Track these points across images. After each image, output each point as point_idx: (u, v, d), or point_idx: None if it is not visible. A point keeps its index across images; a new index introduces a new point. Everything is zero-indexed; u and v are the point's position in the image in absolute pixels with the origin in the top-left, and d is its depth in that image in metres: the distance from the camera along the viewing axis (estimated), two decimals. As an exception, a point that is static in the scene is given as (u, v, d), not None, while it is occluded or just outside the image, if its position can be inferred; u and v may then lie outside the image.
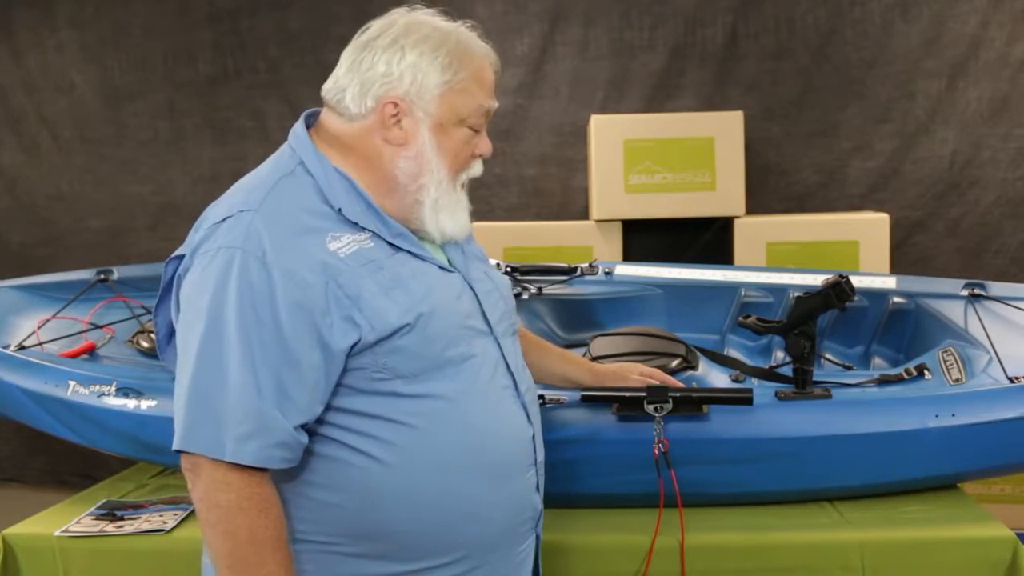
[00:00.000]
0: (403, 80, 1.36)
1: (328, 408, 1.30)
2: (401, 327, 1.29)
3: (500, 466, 1.38)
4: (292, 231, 1.28)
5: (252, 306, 1.24)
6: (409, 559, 1.33)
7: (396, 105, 1.36)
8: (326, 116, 1.43)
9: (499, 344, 1.43)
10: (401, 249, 1.36)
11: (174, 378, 1.31)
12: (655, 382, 1.87)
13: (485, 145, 1.45)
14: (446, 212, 1.40)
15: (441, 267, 1.41)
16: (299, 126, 1.43)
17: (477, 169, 1.46)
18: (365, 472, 1.30)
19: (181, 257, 1.34)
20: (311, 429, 1.30)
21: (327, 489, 1.32)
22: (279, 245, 1.26)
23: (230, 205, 1.32)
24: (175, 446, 1.26)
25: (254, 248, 1.25)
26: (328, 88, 1.41)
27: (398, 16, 1.41)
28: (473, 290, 1.43)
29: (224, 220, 1.30)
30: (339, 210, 1.34)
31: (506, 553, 1.42)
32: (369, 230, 1.35)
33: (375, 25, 1.40)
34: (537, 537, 1.50)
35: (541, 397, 1.90)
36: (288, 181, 1.35)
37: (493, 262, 2.58)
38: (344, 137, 1.39)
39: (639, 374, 1.89)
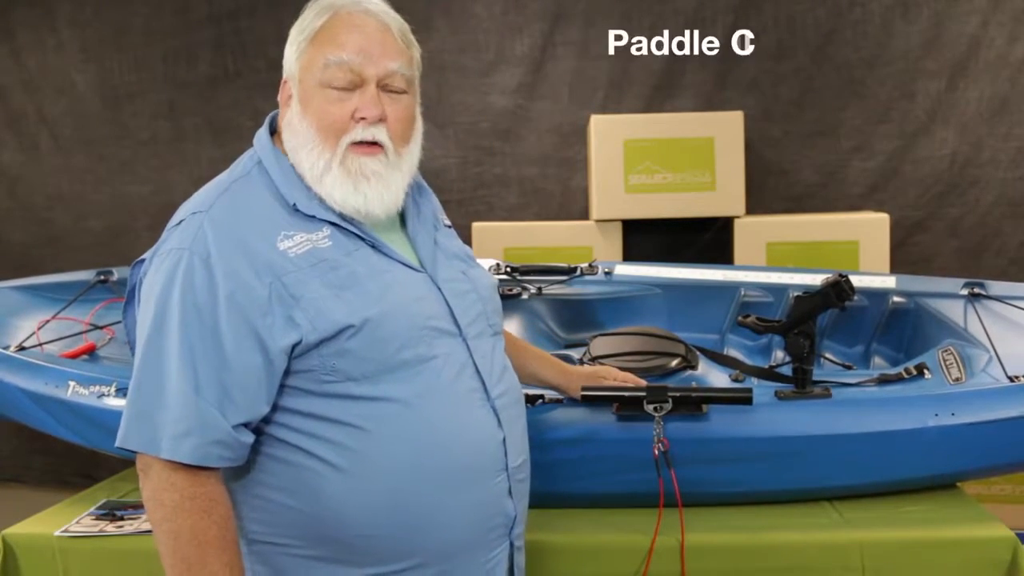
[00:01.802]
0: (284, 58, 1.41)
1: (281, 410, 1.30)
2: (345, 328, 1.27)
3: (461, 470, 1.34)
4: (238, 232, 1.29)
5: (194, 306, 1.25)
6: (365, 563, 1.32)
7: (285, 83, 1.41)
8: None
9: (468, 345, 1.39)
10: (364, 244, 1.35)
11: None
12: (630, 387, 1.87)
13: (365, 107, 1.33)
14: (330, 180, 1.33)
15: (407, 265, 1.38)
16: (262, 128, 1.44)
17: (361, 133, 1.34)
18: (318, 475, 1.29)
19: (145, 260, 1.36)
20: (264, 430, 1.30)
21: (281, 491, 1.31)
22: (223, 246, 1.27)
23: (187, 208, 1.34)
24: (116, 443, 1.27)
25: (200, 249, 1.27)
26: None
27: None
28: (441, 290, 1.39)
29: (180, 223, 1.32)
30: (294, 205, 1.34)
31: (470, 560, 1.37)
32: (330, 224, 1.34)
33: None
34: (512, 545, 1.44)
35: (541, 397, 1.90)
36: (243, 182, 1.36)
37: (493, 262, 2.59)
38: (280, 128, 1.42)
39: (613, 380, 1.89)
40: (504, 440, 1.40)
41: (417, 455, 1.31)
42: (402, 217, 1.46)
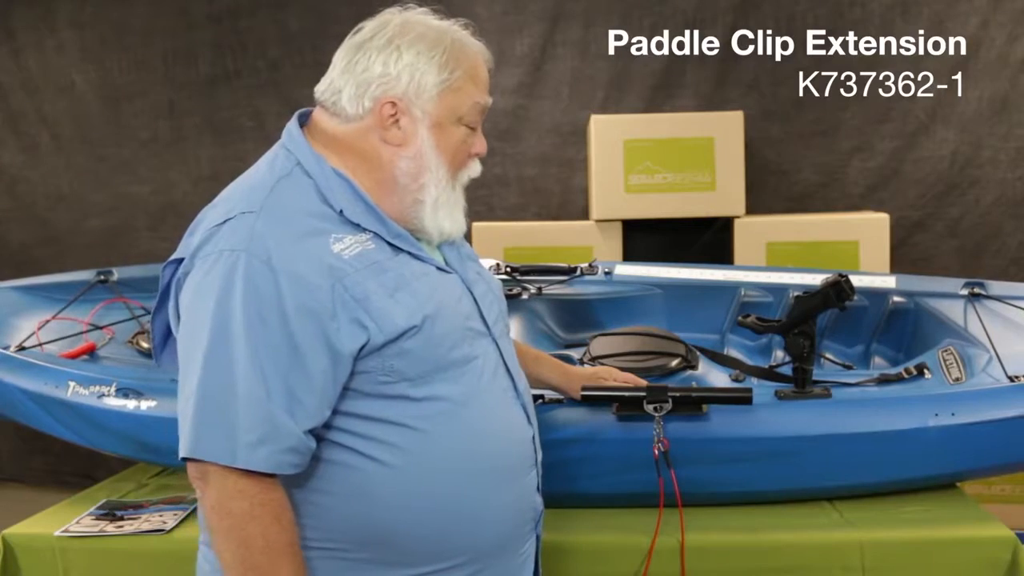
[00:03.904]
0: (400, 80, 1.35)
1: (334, 412, 1.29)
2: (408, 329, 1.28)
3: (504, 468, 1.38)
4: (295, 233, 1.27)
5: (258, 310, 1.22)
6: (414, 563, 1.32)
7: (394, 105, 1.35)
8: (320, 117, 1.41)
9: (497, 345, 1.42)
10: (401, 250, 1.35)
11: (173, 379, 1.30)
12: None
13: (481, 144, 1.45)
14: (445, 211, 1.39)
15: (440, 268, 1.40)
16: (293, 126, 1.41)
17: (476, 169, 1.46)
18: (371, 476, 1.29)
19: (178, 261, 1.32)
20: (318, 434, 1.29)
21: (333, 494, 1.30)
22: (283, 247, 1.25)
23: (229, 207, 1.30)
24: (183, 453, 1.24)
25: (259, 251, 1.23)
26: (322, 89, 1.40)
27: (391, 16, 1.40)
28: (471, 291, 1.42)
29: (225, 222, 1.27)
30: (340, 211, 1.33)
31: (510, 555, 1.41)
32: (370, 231, 1.34)
33: (368, 26, 1.39)
34: (537, 537, 1.49)
35: (541, 397, 1.90)
36: (287, 182, 1.33)
37: (493, 262, 2.59)
38: (341, 138, 1.38)
39: (614, 380, 1.89)
40: (533, 436, 1.45)
41: (467, 454, 1.33)
42: None
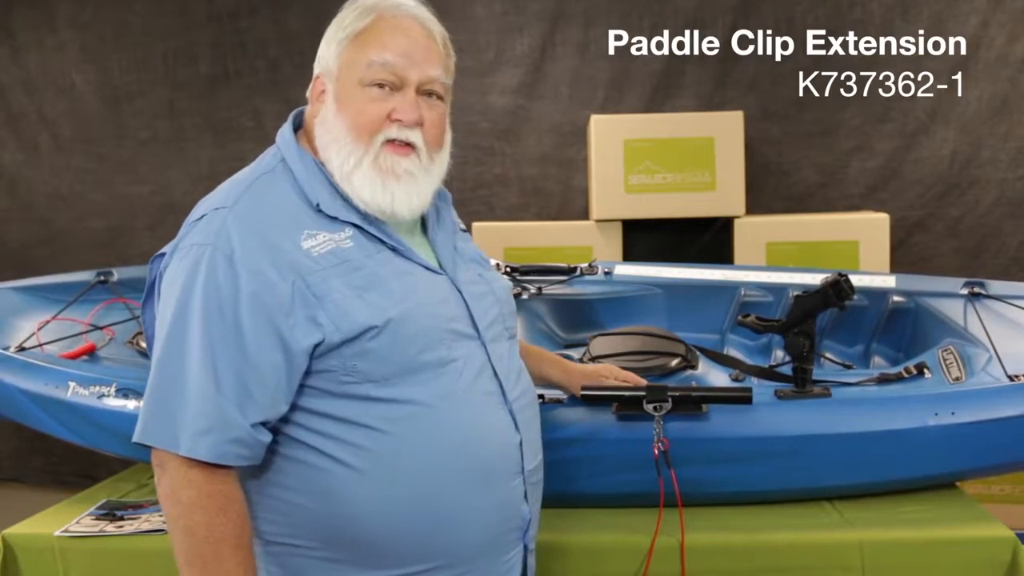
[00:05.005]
0: (320, 54, 1.39)
1: (299, 410, 1.30)
2: (368, 329, 1.27)
3: (480, 473, 1.35)
4: (263, 229, 1.28)
5: (216, 303, 1.24)
6: (383, 566, 1.31)
7: (318, 79, 1.39)
8: (307, 112, 1.44)
9: (486, 348, 1.39)
10: (385, 248, 1.35)
11: None
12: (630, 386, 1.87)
13: (403, 109, 1.34)
14: (360, 180, 1.33)
15: (428, 268, 1.38)
16: (285, 125, 1.43)
17: (396, 133, 1.34)
18: (336, 477, 1.29)
19: (164, 255, 1.35)
20: (282, 430, 1.30)
21: (298, 492, 1.31)
22: (247, 243, 1.27)
23: (209, 203, 1.33)
24: (134, 438, 1.27)
25: (223, 246, 1.26)
26: None
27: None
28: (461, 293, 1.40)
29: (201, 218, 1.31)
30: (317, 205, 1.33)
31: (488, 563, 1.38)
32: (352, 225, 1.34)
33: None
34: (526, 547, 1.45)
35: (541, 396, 1.89)
36: (267, 179, 1.35)
37: (493, 262, 2.59)
38: (309, 127, 1.41)
39: (615, 379, 1.88)
40: (521, 443, 1.40)
41: (436, 458, 1.31)
42: (422, 221, 1.47)
